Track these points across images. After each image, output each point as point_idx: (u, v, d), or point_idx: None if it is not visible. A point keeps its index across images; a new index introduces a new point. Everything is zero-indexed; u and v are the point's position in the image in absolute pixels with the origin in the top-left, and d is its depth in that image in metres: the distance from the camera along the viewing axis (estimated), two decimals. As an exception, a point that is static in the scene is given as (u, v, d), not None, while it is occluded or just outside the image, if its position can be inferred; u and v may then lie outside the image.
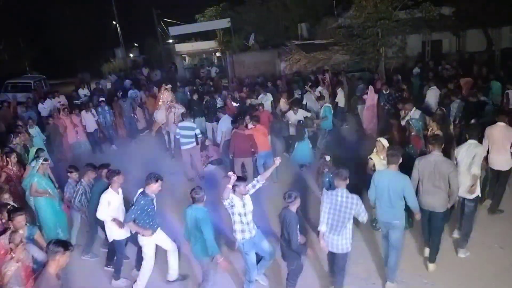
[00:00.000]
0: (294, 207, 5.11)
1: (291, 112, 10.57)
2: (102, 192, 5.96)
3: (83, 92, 17.90)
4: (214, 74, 23.61)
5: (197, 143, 10.00)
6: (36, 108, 14.50)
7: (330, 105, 11.59)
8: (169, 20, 31.30)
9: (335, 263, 5.35)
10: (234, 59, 22.85)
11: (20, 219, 5.07)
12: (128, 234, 6.06)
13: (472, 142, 6.18)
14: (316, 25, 22.83)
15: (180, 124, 10.07)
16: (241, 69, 21.65)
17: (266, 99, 12.85)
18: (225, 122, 10.28)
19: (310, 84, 13.76)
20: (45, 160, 7.33)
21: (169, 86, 12.41)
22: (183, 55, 32.75)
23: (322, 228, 5.21)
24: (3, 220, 5.44)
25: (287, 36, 22.71)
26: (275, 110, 12.58)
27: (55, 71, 32.16)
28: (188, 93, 15.50)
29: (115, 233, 6.01)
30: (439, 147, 5.67)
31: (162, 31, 32.81)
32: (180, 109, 11.50)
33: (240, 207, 5.22)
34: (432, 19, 16.40)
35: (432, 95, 11.32)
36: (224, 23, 24.47)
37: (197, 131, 9.87)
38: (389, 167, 5.48)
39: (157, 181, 5.51)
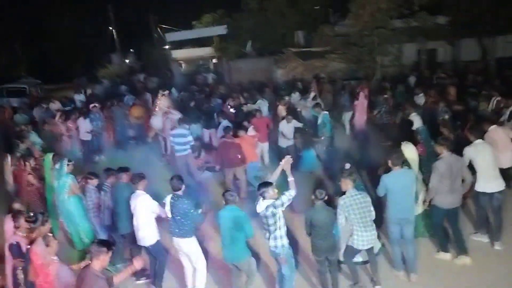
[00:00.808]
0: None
1: (284, 121, 10.43)
2: (128, 197, 6.04)
3: (79, 97, 17.81)
4: (211, 80, 23.61)
5: (192, 151, 10.00)
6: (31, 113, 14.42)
7: (328, 112, 11.56)
8: (166, 26, 31.43)
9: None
10: (231, 66, 22.93)
11: (49, 224, 5.32)
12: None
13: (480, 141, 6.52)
14: (313, 33, 22.96)
15: (172, 132, 10.04)
16: (238, 75, 21.69)
17: (264, 105, 12.86)
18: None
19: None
20: (70, 160, 7.34)
21: (166, 92, 12.39)
22: (179, 61, 32.79)
23: None
24: (17, 228, 5.34)
25: (284, 43, 22.81)
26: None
27: (51, 76, 32.07)
28: (178, 99, 15.52)
29: (155, 235, 5.92)
30: (448, 148, 6.01)
31: (158, 37, 32.88)
32: (176, 115, 11.48)
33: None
34: (428, 28, 16.57)
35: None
36: (221, 29, 24.60)
37: (190, 138, 9.81)
38: (396, 168, 5.77)
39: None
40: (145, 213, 5.81)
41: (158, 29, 32.64)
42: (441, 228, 6.32)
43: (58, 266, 4.73)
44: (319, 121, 10.89)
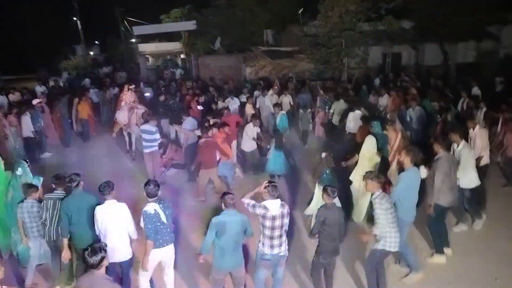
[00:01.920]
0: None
1: (250, 125, 10.10)
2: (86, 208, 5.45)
3: (40, 89, 17.17)
4: (178, 76, 23.34)
5: (159, 147, 9.88)
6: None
7: (285, 113, 11.58)
8: (133, 19, 30.69)
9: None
10: (199, 62, 22.72)
11: None
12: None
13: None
14: (282, 32, 23.08)
15: (141, 127, 9.88)
16: (206, 72, 21.53)
17: (233, 103, 12.84)
18: (189, 124, 10.17)
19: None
20: (26, 161, 6.75)
21: (133, 86, 12.14)
22: (146, 55, 32.17)
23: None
24: None
25: (252, 41, 22.79)
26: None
27: (11, 66, 30.78)
28: (148, 94, 15.33)
29: (130, 250, 5.46)
30: (445, 147, 6.27)
31: (125, 30, 32.11)
32: (141, 109, 11.29)
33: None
34: (393, 32, 16.99)
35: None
36: (190, 25, 24.27)
37: (157, 135, 9.67)
38: (413, 166, 5.81)
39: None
40: (122, 225, 5.27)
41: (125, 22, 31.85)
42: (444, 226, 6.48)
43: None
44: (277, 120, 11.07)
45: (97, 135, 14.23)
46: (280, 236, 5.09)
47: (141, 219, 5.10)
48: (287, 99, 13.74)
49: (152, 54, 32.28)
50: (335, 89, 14.49)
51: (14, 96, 15.24)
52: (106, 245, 4.00)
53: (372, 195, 5.43)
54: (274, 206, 5.00)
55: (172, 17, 26.66)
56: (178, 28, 25.84)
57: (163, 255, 5.30)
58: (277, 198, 5.07)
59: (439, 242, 6.42)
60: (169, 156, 10.89)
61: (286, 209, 5.08)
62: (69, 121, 13.63)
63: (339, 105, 12.32)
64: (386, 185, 6.31)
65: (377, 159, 7.63)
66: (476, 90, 12.97)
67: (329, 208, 5.24)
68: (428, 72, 18.79)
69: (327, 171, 7.34)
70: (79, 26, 35.07)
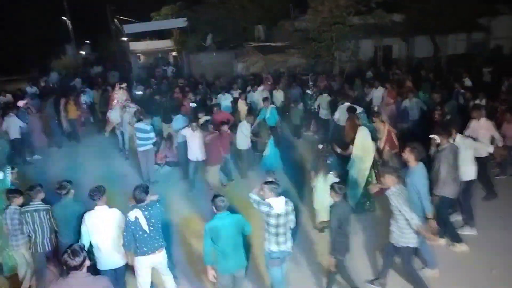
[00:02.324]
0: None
1: (245, 122, 9.97)
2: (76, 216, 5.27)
3: (31, 90, 17.05)
4: (170, 73, 23.26)
5: (153, 145, 9.90)
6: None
7: (274, 106, 11.70)
8: (124, 18, 30.52)
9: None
10: (191, 59, 22.66)
11: None
12: None
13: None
14: (273, 28, 23.06)
15: (135, 125, 9.90)
16: (198, 69, 21.48)
17: (225, 99, 12.84)
18: (178, 122, 10.12)
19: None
20: (13, 168, 6.56)
21: (124, 84, 12.11)
22: (137, 54, 32.05)
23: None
24: None
25: (244, 37, 22.75)
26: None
27: (2, 67, 30.53)
28: (141, 92, 15.29)
29: (123, 256, 5.28)
30: (448, 138, 6.26)
31: (116, 28, 31.93)
32: (133, 108, 11.28)
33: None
34: (384, 25, 17.03)
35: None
36: (181, 22, 24.19)
37: (151, 134, 9.70)
38: (417, 163, 5.67)
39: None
40: (115, 231, 5.12)
41: (115, 20, 31.66)
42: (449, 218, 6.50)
43: None
44: (267, 114, 11.06)
45: (87, 134, 14.15)
46: (285, 233, 5.06)
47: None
48: (279, 94, 13.77)
49: (143, 52, 32.18)
50: (329, 83, 14.56)
51: (6, 98, 15.11)
52: (84, 245, 3.86)
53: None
54: (279, 204, 4.96)
55: (163, 14, 26.61)
56: (168, 25, 25.77)
57: (151, 262, 5.14)
58: (280, 195, 5.02)
59: (453, 232, 6.50)
60: (163, 154, 10.89)
61: (290, 206, 5.05)
62: (57, 121, 13.39)
63: (324, 98, 12.35)
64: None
65: (373, 150, 7.67)
66: (467, 81, 13.07)
67: (339, 206, 5.22)
68: (419, 65, 18.89)
69: (332, 158, 7.35)
70: (69, 25, 34.77)
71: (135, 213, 4.90)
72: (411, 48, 22.59)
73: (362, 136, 7.69)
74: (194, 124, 9.09)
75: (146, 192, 5.00)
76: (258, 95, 13.42)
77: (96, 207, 5.11)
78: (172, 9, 26.58)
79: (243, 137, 9.84)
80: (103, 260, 5.20)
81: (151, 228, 4.95)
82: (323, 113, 12.36)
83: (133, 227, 4.89)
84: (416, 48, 22.29)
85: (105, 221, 5.08)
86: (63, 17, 33.33)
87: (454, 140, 6.59)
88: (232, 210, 5.07)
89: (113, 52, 31.87)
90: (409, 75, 15.20)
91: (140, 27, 27.17)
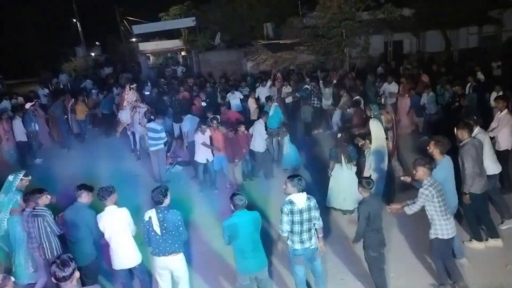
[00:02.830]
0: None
1: (261, 121, 9.56)
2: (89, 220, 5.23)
3: (43, 92, 17.23)
4: (180, 73, 23.33)
5: (164, 145, 9.93)
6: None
7: (277, 105, 11.37)
8: (132, 19, 30.70)
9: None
10: (200, 59, 22.68)
11: None
12: None
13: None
14: (282, 25, 22.96)
15: (147, 126, 9.97)
16: (207, 68, 21.50)
17: (234, 97, 12.81)
18: (188, 122, 10.12)
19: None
20: (26, 175, 6.26)
21: (134, 85, 12.15)
22: (147, 54, 32.18)
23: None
24: None
25: (253, 35, 22.70)
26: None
27: (13, 71, 30.86)
28: (149, 92, 15.37)
29: (139, 254, 5.34)
30: (470, 133, 6.12)
31: (125, 29, 32.13)
32: (143, 108, 11.32)
33: None
34: (394, 20, 16.84)
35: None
36: (189, 21, 24.20)
37: (162, 134, 9.73)
38: (443, 156, 5.67)
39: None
40: (125, 231, 5.13)
41: (124, 21, 31.86)
42: (475, 215, 6.28)
43: None
44: (271, 112, 10.70)
45: (98, 135, 14.29)
46: (309, 229, 5.00)
47: None
48: (288, 91, 13.70)
49: (152, 52, 32.27)
50: (343, 80, 14.53)
51: (18, 101, 15.26)
52: (71, 255, 3.62)
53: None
54: (300, 200, 4.90)
55: (171, 14, 26.59)
56: (177, 25, 25.77)
57: (166, 264, 5.07)
58: (303, 191, 4.96)
59: (476, 229, 6.29)
60: (174, 154, 10.91)
61: (313, 202, 4.97)
62: (67, 123, 13.53)
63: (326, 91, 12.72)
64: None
65: (384, 141, 7.73)
66: (480, 75, 12.92)
67: (369, 202, 5.14)
68: (431, 59, 18.67)
69: (351, 148, 7.53)
70: (79, 28, 35.09)
71: (150, 214, 4.93)
72: (422, 43, 22.35)
73: (376, 127, 7.74)
74: (204, 126, 9.00)
75: (164, 195, 4.97)
76: (266, 90, 13.38)
77: (106, 208, 5.12)
78: (180, 9, 26.56)
79: (259, 138, 9.38)
80: (117, 259, 5.23)
81: (163, 231, 4.91)
82: (325, 104, 12.83)
83: (147, 227, 4.93)
84: (427, 43, 22.04)
85: (115, 221, 5.09)
86: (73, 19, 33.65)
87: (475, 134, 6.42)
88: (248, 208, 5.00)
89: (123, 53, 32.04)
90: (420, 70, 15.10)
91: (148, 27, 27.24)
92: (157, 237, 4.93)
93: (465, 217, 6.44)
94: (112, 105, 14.59)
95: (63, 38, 36.21)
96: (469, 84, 11.56)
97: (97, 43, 39.18)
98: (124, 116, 11.73)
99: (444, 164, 5.65)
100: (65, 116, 13.60)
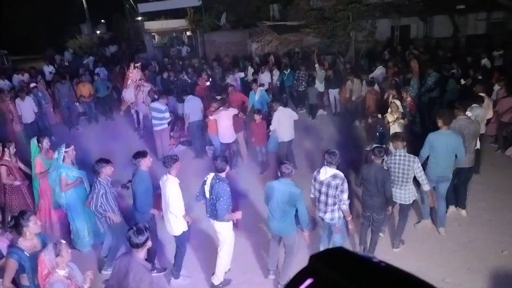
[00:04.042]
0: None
1: (281, 109, 8.65)
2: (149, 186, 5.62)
3: (48, 69, 17.25)
4: (185, 53, 23.23)
5: (168, 125, 10.00)
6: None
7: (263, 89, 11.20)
8: (138, -3, 30.37)
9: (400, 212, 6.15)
10: (205, 39, 22.53)
11: (33, 220, 4.27)
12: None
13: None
14: (288, 7, 22.71)
15: (151, 105, 10.02)
16: (212, 48, 21.39)
17: (234, 80, 12.81)
18: (190, 103, 10.09)
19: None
20: (68, 146, 6.37)
21: (139, 64, 12.16)
22: (152, 33, 31.96)
23: None
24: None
25: (258, 16, 22.49)
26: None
27: (18, 47, 30.79)
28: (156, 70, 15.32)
29: (183, 225, 5.55)
30: (462, 112, 6.66)
31: (130, 7, 31.83)
32: (147, 87, 11.36)
33: None
34: (401, 4, 16.65)
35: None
36: (195, 1, 23.95)
37: (166, 114, 9.78)
38: (444, 128, 6.13)
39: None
40: (177, 200, 5.36)
41: (130, -1, 31.55)
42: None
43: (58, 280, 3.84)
44: (257, 97, 10.54)
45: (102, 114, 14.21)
46: (326, 203, 5.34)
47: None
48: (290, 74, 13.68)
49: (158, 32, 32.04)
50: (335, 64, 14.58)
51: (23, 77, 15.30)
52: (148, 226, 4.00)
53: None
54: (324, 173, 5.28)
55: (177, -7, 26.32)
56: (183, 4, 25.52)
57: (214, 227, 5.55)
58: (334, 166, 5.28)
59: (463, 198, 6.90)
60: (177, 133, 10.99)
61: (336, 181, 5.22)
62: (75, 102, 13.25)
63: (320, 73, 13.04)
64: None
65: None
66: (485, 61, 12.83)
67: (370, 166, 5.66)
68: (438, 45, 18.46)
69: (380, 129, 7.85)
70: (85, 5, 34.82)
71: (209, 176, 5.39)
72: (429, 28, 22.05)
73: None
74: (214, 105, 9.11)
75: (227, 161, 5.44)
76: (266, 76, 13.27)
77: (167, 175, 5.40)
78: (186, -12, 26.28)
79: (287, 125, 8.53)
80: (169, 226, 5.56)
81: (212, 196, 5.28)
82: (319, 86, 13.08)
83: (203, 186, 5.42)
84: (435, 28, 21.71)
85: (171, 189, 5.33)
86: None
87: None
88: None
89: (128, 31, 31.84)
90: (426, 55, 14.96)
91: (154, 6, 27.01)
92: (206, 199, 5.41)
93: (457, 183, 6.88)
94: (106, 87, 13.99)
95: (68, 15, 35.99)
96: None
97: (102, 21, 38.93)
98: (128, 94, 11.78)
99: (440, 132, 6.16)
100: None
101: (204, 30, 22.78)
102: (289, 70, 13.63)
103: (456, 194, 6.91)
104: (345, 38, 16.73)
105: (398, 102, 8.24)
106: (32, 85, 12.14)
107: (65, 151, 6.27)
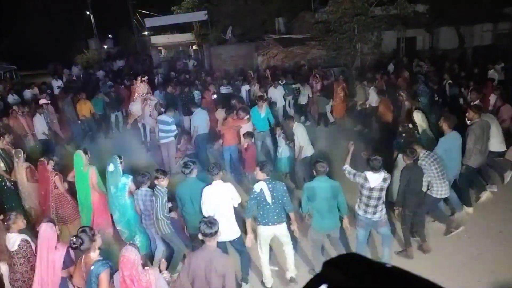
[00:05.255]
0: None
1: (301, 124, 8.86)
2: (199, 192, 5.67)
3: (57, 83, 17.43)
4: (191, 67, 23.43)
5: (175, 138, 10.03)
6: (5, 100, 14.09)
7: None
8: (145, 12, 30.86)
9: None
10: (211, 52, 22.72)
11: (97, 234, 4.35)
12: None
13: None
14: (294, 20, 22.91)
15: (158, 118, 10.07)
16: (218, 62, 21.53)
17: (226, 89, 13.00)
18: (198, 116, 10.11)
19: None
20: (120, 157, 6.68)
21: (146, 77, 12.25)
22: (159, 48, 32.33)
23: None
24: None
25: (264, 30, 22.68)
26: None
27: (26, 62, 31.21)
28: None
29: (236, 228, 5.66)
30: (479, 114, 6.97)
31: (137, 22, 32.30)
32: (154, 100, 11.43)
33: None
34: (407, 16, 16.69)
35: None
36: (201, 15, 24.25)
37: (173, 126, 9.81)
38: (451, 131, 6.67)
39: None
40: (227, 203, 5.49)
41: (137, 14, 32.02)
42: (469, 185, 7.31)
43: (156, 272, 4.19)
44: (263, 113, 10.05)
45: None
46: (376, 206, 5.47)
47: None
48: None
49: (164, 46, 32.43)
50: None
51: (33, 91, 15.44)
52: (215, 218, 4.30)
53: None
54: (375, 179, 5.36)
55: (184, 8, 26.67)
56: (189, 19, 25.84)
57: (271, 233, 5.52)
58: (380, 171, 5.39)
59: (468, 197, 7.22)
60: (184, 146, 10.99)
61: (387, 184, 5.46)
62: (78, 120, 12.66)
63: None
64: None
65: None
66: (492, 73, 12.76)
67: (410, 168, 5.83)
68: (444, 56, 18.45)
69: (411, 138, 7.73)
70: (92, 20, 35.36)
71: (261, 185, 5.39)
72: (435, 40, 22.09)
73: (420, 119, 8.25)
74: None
75: (270, 168, 5.61)
76: (278, 91, 12.81)
77: (213, 182, 5.58)
78: (192, 2, 26.63)
79: (307, 140, 8.47)
80: (223, 232, 5.54)
81: (273, 200, 5.37)
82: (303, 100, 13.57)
83: (258, 198, 5.38)
84: (441, 40, 21.77)
85: (219, 194, 5.48)
86: (86, 12, 33.91)
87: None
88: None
89: (135, 46, 32.24)
90: (431, 66, 14.97)
91: (161, 20, 27.34)
92: (267, 206, 5.39)
93: (459, 183, 7.14)
94: (103, 105, 13.54)
95: (76, 30, 36.53)
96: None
97: (109, 35, 39.50)
98: (135, 108, 11.85)
99: (450, 136, 6.64)
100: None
101: (210, 44, 22.98)
102: (284, 82, 13.61)
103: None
104: (350, 50, 16.75)
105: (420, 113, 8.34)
106: (42, 101, 11.59)
107: (120, 162, 6.59)
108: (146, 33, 32.73)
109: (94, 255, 4.19)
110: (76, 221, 7.07)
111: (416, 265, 5.90)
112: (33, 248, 4.85)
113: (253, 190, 5.44)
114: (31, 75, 28.33)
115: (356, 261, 1.04)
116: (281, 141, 8.87)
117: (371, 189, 5.39)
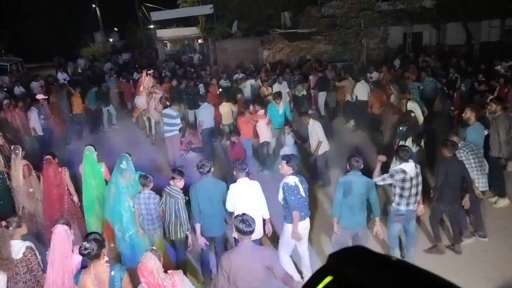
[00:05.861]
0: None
1: (317, 122, 8.40)
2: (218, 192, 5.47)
3: (63, 76, 17.46)
4: (196, 60, 23.41)
5: (179, 131, 10.06)
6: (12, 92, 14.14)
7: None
8: (150, 5, 30.74)
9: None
10: (216, 46, 22.67)
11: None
12: None
13: None
14: (299, 14, 22.80)
15: (163, 111, 10.09)
16: (223, 56, 21.49)
17: (244, 85, 12.85)
18: (204, 110, 10.14)
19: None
20: (130, 155, 6.25)
21: (151, 71, 12.26)
22: (164, 41, 32.28)
23: None
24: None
25: (270, 24, 22.61)
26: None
27: (32, 54, 31.28)
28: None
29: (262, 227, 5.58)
30: (502, 107, 7.03)
31: (143, 16, 32.21)
32: (159, 94, 11.44)
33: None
34: (414, 11, 16.58)
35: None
36: (207, 9, 24.15)
37: (178, 120, 9.83)
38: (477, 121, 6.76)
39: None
40: (254, 201, 5.33)
41: (143, 8, 31.92)
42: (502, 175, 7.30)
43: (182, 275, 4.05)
44: (280, 110, 9.82)
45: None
46: (417, 193, 5.47)
47: (280, 192, 5.28)
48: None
49: (170, 39, 32.37)
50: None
51: (39, 83, 15.47)
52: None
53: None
54: (411, 168, 5.36)
55: (189, 1, 26.56)
56: (195, 12, 25.74)
57: (303, 228, 5.39)
58: (409, 160, 5.41)
59: (503, 187, 7.22)
60: (188, 139, 11.02)
61: (419, 169, 5.49)
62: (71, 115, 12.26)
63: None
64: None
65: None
66: (500, 69, 12.64)
67: (450, 162, 5.74)
68: (451, 52, 18.31)
69: (403, 128, 7.74)
70: (98, 13, 35.36)
71: (293, 179, 5.22)
72: (442, 35, 21.93)
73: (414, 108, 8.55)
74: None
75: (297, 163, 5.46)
76: (283, 87, 12.48)
77: (238, 180, 5.42)
78: (198, -4, 26.54)
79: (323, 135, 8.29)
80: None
81: (306, 193, 5.35)
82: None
83: (295, 191, 5.19)
84: (448, 35, 21.60)
85: (245, 191, 5.35)
86: (93, 5, 33.90)
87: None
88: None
89: (141, 39, 32.20)
90: (437, 62, 14.87)
91: (166, 14, 27.26)
92: (302, 200, 5.27)
93: (491, 175, 6.77)
94: (96, 100, 13.13)
95: (82, 23, 36.54)
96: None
97: (115, 29, 39.43)
98: (140, 101, 11.88)
99: (476, 126, 6.68)
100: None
101: (216, 38, 22.92)
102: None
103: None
104: (356, 45, 16.68)
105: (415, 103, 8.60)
106: (39, 96, 11.03)
107: (130, 159, 6.13)
108: (151, 26, 32.64)
109: (103, 261, 3.93)
110: (76, 221, 6.55)
111: (420, 262, 5.89)
112: (37, 254, 4.53)
113: (289, 185, 5.14)
114: (37, 67, 28.40)
115: (361, 254, 1.04)
116: (290, 140, 8.53)
117: (411, 179, 5.35)
